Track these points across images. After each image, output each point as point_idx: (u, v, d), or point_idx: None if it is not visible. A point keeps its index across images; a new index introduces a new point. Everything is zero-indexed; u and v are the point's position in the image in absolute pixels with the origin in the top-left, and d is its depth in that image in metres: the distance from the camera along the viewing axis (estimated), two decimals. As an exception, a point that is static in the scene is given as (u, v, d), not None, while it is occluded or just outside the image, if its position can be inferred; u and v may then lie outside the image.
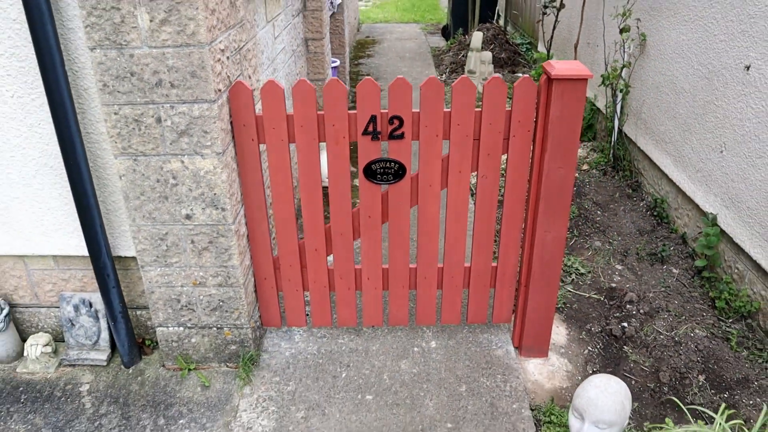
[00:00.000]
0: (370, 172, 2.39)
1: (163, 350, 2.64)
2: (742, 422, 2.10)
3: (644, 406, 2.54)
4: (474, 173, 2.43)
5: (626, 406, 1.99)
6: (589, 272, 3.46)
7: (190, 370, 2.65)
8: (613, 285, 3.31)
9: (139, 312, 2.74)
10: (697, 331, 2.88)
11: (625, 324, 2.96)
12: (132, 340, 2.63)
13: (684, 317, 3.01)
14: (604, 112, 4.91)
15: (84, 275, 2.66)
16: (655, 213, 3.99)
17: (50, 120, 2.30)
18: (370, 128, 2.30)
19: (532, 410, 2.45)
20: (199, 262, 2.41)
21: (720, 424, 1.84)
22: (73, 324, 2.67)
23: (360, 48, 8.93)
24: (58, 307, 2.73)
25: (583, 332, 2.94)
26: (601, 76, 4.47)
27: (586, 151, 5.18)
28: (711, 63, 3.32)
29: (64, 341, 2.79)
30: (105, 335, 2.69)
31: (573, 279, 3.40)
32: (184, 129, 2.14)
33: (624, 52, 4.37)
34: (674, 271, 3.43)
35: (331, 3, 5.43)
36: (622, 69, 4.36)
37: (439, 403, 2.47)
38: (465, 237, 2.56)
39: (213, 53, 2.06)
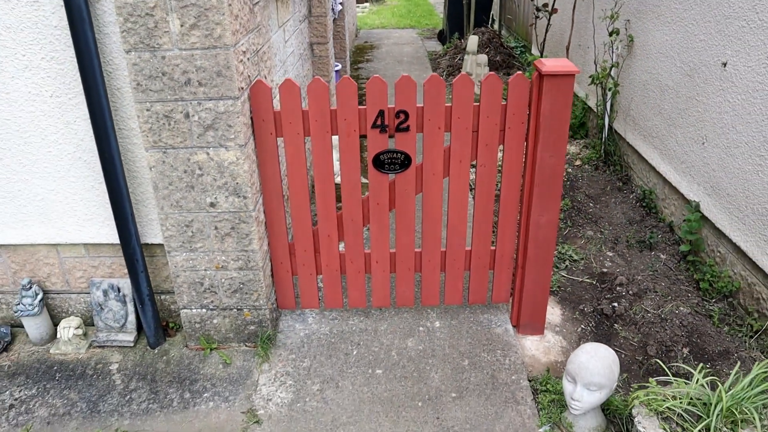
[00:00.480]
0: (379, 162, 2.61)
1: (186, 331, 2.84)
2: (717, 378, 2.31)
3: (633, 377, 2.76)
4: (473, 163, 2.65)
5: (614, 370, 2.20)
6: (582, 259, 3.68)
7: (212, 349, 2.85)
8: (605, 270, 3.53)
9: (163, 297, 2.94)
10: (682, 308, 3.10)
11: (616, 304, 3.18)
12: (158, 322, 2.84)
13: (670, 297, 3.22)
14: (596, 110, 5.14)
15: (112, 262, 2.86)
16: (644, 204, 4.21)
17: (85, 117, 2.51)
18: (379, 122, 2.51)
19: (529, 381, 2.66)
20: (222, 247, 2.62)
21: (698, 379, 2.06)
22: (102, 308, 2.87)
23: (359, 53, 9.17)
24: (88, 293, 2.94)
25: (577, 312, 3.16)
26: (590, 76, 4.71)
27: (578, 147, 5.42)
28: (692, 61, 3.55)
29: (93, 325, 2.99)
30: (132, 318, 2.89)
31: (567, 265, 3.62)
32: (210, 123, 2.35)
33: (613, 52, 4.61)
34: (662, 256, 3.65)
35: (333, 9, 5.67)
36: (611, 69, 4.59)
37: (444, 376, 2.68)
38: (466, 222, 2.78)
39: (237, 54, 2.28)
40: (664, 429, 2.04)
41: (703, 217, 3.41)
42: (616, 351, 2.88)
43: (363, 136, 2.57)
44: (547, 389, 2.59)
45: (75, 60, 2.38)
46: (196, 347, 2.87)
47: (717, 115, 3.29)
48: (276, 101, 2.76)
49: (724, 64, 3.20)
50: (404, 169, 2.63)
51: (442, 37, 9.69)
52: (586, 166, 5.04)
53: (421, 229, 2.81)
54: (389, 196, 2.71)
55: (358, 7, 13.86)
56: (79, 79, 2.41)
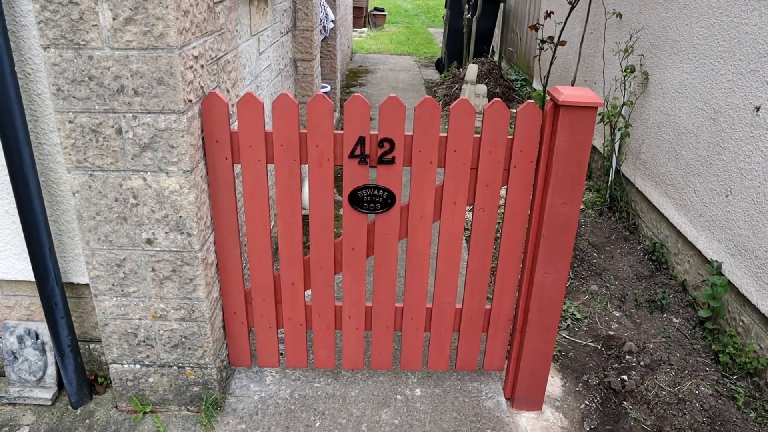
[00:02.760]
0: (356, 200, 2.16)
1: (116, 390, 2.35)
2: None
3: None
4: (470, 206, 2.21)
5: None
6: (586, 318, 3.23)
7: (146, 413, 2.35)
8: (611, 333, 3.08)
9: (92, 345, 2.46)
10: (702, 388, 2.65)
11: (625, 377, 2.72)
12: (82, 378, 2.34)
13: (687, 371, 2.78)
14: (602, 151, 4.76)
15: (31, 302, 2.38)
16: (653, 257, 3.79)
17: None
18: (358, 151, 2.08)
19: (525, 473, 2.19)
20: (160, 292, 2.15)
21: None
22: (16, 357, 2.37)
23: (352, 77, 8.82)
24: (0, 337, 2.44)
25: (580, 384, 2.70)
26: (599, 114, 4.33)
27: (580, 189, 5.02)
28: (717, 103, 3.17)
29: (4, 375, 2.49)
30: (51, 371, 2.40)
31: (569, 324, 3.17)
32: (147, 142, 1.91)
33: (625, 90, 4.24)
34: (674, 320, 3.21)
35: (324, 27, 5.29)
36: (622, 107, 4.22)
37: (422, 462, 2.20)
38: (457, 276, 2.33)
39: (184, 59, 1.85)
40: None
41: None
42: (628, 437, 2.42)
43: (338, 167, 2.14)
44: (548, 489, 2.11)
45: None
46: (128, 409, 2.37)
47: (746, 165, 2.89)
48: (236, 123, 2.33)
49: (758, 109, 2.81)
50: (386, 209, 2.18)
51: (440, 65, 9.38)
52: (590, 210, 4.63)
53: (404, 281, 2.37)
54: (367, 240, 2.26)
55: (356, 31, 13.60)
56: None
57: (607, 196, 4.59)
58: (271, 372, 2.60)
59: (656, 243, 3.78)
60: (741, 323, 2.89)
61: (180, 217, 2.02)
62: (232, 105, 2.42)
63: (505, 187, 2.16)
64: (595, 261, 3.86)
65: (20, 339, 2.36)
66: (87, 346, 2.45)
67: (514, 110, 7.17)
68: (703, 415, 2.52)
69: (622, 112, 4.27)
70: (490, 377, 2.62)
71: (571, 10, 4.53)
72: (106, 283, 2.13)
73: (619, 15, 4.55)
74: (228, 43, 2.37)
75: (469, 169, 2.13)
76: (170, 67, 1.81)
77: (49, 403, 2.38)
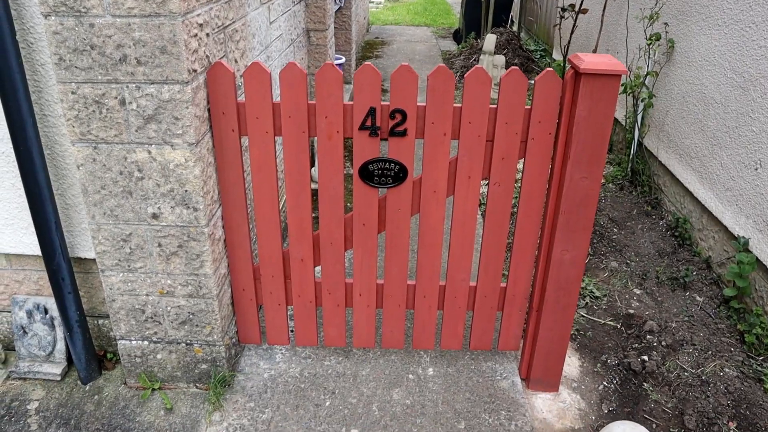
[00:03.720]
0: (367, 174, 2.09)
1: (125, 366, 2.33)
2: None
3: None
4: (485, 180, 2.13)
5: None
6: (605, 296, 3.14)
7: (154, 389, 2.34)
8: (631, 311, 2.99)
9: (101, 321, 2.44)
10: (727, 369, 2.56)
11: (645, 357, 2.64)
12: (90, 353, 2.33)
13: (710, 352, 2.69)
14: (623, 123, 4.60)
15: (40, 277, 2.36)
16: (676, 233, 3.67)
17: (2, 99, 2.01)
18: (369, 122, 2.00)
19: (540, 455, 2.14)
20: (167, 268, 2.11)
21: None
22: (25, 332, 2.36)
23: (368, 48, 8.66)
24: (9, 312, 2.43)
25: (598, 364, 2.63)
26: (622, 84, 4.17)
27: (601, 163, 4.88)
28: (747, 71, 3.02)
29: (14, 350, 2.49)
30: (61, 346, 2.38)
31: (587, 303, 3.09)
32: (151, 114, 1.84)
33: (649, 59, 4.07)
34: (698, 298, 3.11)
35: (338, -3, 5.16)
36: (645, 77, 4.05)
37: (434, 442, 2.16)
38: (472, 253, 2.26)
39: (188, 27, 1.77)
40: None
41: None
42: (645, 420, 2.35)
43: (348, 139, 2.05)
44: (563, 471, 2.06)
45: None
46: (136, 386, 2.36)
47: (778, 136, 2.75)
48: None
49: (793, 76, 2.66)
50: (398, 184, 2.10)
51: (457, 36, 9.16)
52: (610, 185, 4.50)
53: (416, 258, 2.30)
54: (378, 215, 2.19)
55: (372, 2, 13.35)
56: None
57: (629, 169, 4.45)
58: (281, 350, 2.57)
59: (679, 218, 3.65)
60: None
61: (186, 191, 1.96)
62: (240, 75, 2.34)
63: (522, 160, 2.07)
64: (615, 237, 3.75)
65: (29, 313, 2.35)
66: (96, 322, 2.44)
67: (533, 81, 6.98)
68: (727, 397, 2.43)
69: (646, 82, 4.11)
70: (505, 357, 2.56)
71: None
72: (113, 258, 2.09)
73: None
74: (236, 11, 2.28)
75: (485, 141, 2.03)
76: (173, 35, 1.73)
77: (59, 378, 2.37)
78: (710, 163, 3.35)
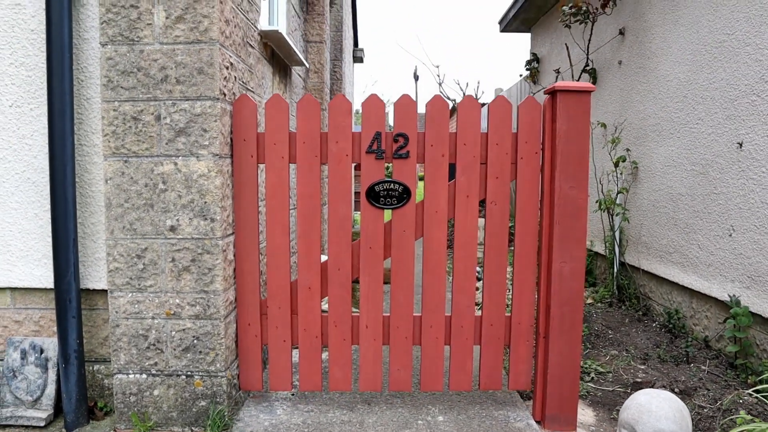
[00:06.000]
0: (374, 195, 2.26)
1: (117, 407, 2.19)
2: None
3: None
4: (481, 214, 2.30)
5: (686, 416, 1.60)
6: (609, 372, 3.09)
7: (145, 434, 2.17)
8: (638, 380, 2.92)
9: (97, 367, 2.34)
10: (746, 398, 2.47)
11: (662, 409, 2.54)
12: (82, 394, 2.20)
13: (727, 392, 2.60)
14: (604, 254, 4.88)
15: (42, 316, 2.33)
16: (669, 326, 3.71)
17: (43, 131, 2.24)
18: (375, 146, 2.24)
19: (567, 476, 1.97)
20: (177, 286, 2.14)
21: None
22: (15, 375, 2.25)
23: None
24: (1, 360, 2.34)
25: (614, 413, 2.51)
26: (596, 201, 4.56)
27: (588, 292, 5.03)
28: (703, 158, 3.41)
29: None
30: (50, 391, 2.26)
31: (593, 377, 3.02)
32: (182, 127, 2.07)
33: (617, 179, 4.51)
34: (703, 368, 3.07)
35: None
36: (617, 195, 4.45)
37: (451, 469, 1.99)
38: (475, 277, 2.33)
39: (222, 55, 2.09)
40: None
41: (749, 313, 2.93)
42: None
43: (356, 167, 2.26)
44: (594, 482, 1.89)
45: (45, 66, 2.18)
46: (127, 431, 2.19)
47: (742, 199, 3.02)
48: (262, 126, 2.49)
49: (740, 144, 3.03)
50: (402, 204, 2.27)
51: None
52: (599, 304, 4.60)
53: (420, 290, 2.34)
54: (384, 240, 2.30)
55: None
56: (45, 88, 2.19)
57: (615, 288, 4.60)
58: (281, 405, 2.44)
59: (670, 312, 3.73)
60: (773, 361, 2.77)
61: (205, 202, 2.10)
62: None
63: (515, 180, 2.28)
64: (611, 336, 3.76)
65: (23, 354, 2.26)
66: (91, 368, 2.34)
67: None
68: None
69: (618, 199, 4.49)
70: (516, 406, 2.45)
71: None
72: (124, 276, 2.13)
73: (603, 125, 5.00)
74: (255, 82, 2.65)
75: (479, 163, 2.26)
76: (211, 58, 2.05)
77: (43, 424, 2.20)
78: (689, 250, 3.56)
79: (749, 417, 1.77)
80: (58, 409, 2.28)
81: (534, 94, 6.84)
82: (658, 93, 3.97)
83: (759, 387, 2.04)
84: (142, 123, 2.08)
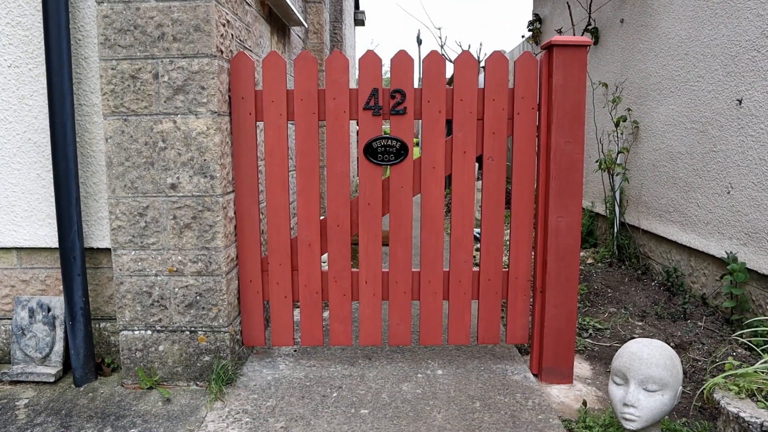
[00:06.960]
0: (371, 151, 2.28)
1: (124, 363, 2.25)
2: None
3: (689, 419, 2.11)
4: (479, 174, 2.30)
5: (677, 364, 1.64)
6: (607, 329, 3.14)
7: (152, 387, 2.23)
8: (635, 336, 2.98)
9: (102, 324, 2.40)
10: (740, 350, 2.52)
11: (657, 361, 2.59)
12: (89, 350, 2.26)
13: (722, 345, 2.65)
14: (605, 214, 4.90)
15: (47, 275, 2.38)
16: (668, 284, 3.75)
17: (43, 91, 2.25)
18: (372, 102, 2.24)
19: (561, 420, 2.02)
20: (179, 243, 2.17)
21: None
22: (24, 333, 2.31)
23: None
24: (10, 319, 2.39)
25: (610, 366, 2.57)
26: (597, 161, 4.56)
27: (589, 252, 5.07)
28: (703, 116, 3.40)
29: (9, 363, 2.40)
30: (58, 348, 2.32)
31: (591, 333, 3.07)
32: (180, 85, 2.08)
33: (618, 139, 4.50)
34: (700, 323, 3.11)
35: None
36: (618, 154, 4.45)
37: (449, 416, 2.05)
38: (472, 232, 2.36)
39: (219, 12, 2.09)
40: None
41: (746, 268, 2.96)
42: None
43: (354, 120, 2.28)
44: (587, 425, 1.95)
45: (42, 26, 2.18)
46: (134, 386, 2.25)
47: (740, 156, 3.02)
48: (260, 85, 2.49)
49: (740, 101, 3.02)
50: (400, 160, 2.29)
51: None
52: (599, 263, 4.64)
53: (419, 243, 2.38)
54: (382, 196, 2.33)
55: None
56: (43, 47, 2.19)
57: (614, 248, 4.63)
58: (284, 360, 2.50)
59: (669, 271, 3.76)
60: None
61: (204, 160, 2.12)
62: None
63: (511, 137, 2.29)
64: (610, 294, 3.81)
65: (31, 312, 2.32)
66: (97, 325, 2.40)
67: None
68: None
69: (619, 159, 4.49)
70: (514, 360, 2.51)
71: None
72: (127, 234, 2.17)
73: (605, 85, 4.96)
74: (253, 41, 2.64)
75: (476, 119, 2.27)
76: (207, 14, 2.04)
77: (52, 380, 2.26)
78: (687, 209, 3.58)
79: (737, 363, 1.82)
80: (66, 365, 2.34)
81: (537, 55, 6.77)
82: (660, 51, 3.93)
83: (740, 332, 2.08)
84: (140, 81, 2.08)
